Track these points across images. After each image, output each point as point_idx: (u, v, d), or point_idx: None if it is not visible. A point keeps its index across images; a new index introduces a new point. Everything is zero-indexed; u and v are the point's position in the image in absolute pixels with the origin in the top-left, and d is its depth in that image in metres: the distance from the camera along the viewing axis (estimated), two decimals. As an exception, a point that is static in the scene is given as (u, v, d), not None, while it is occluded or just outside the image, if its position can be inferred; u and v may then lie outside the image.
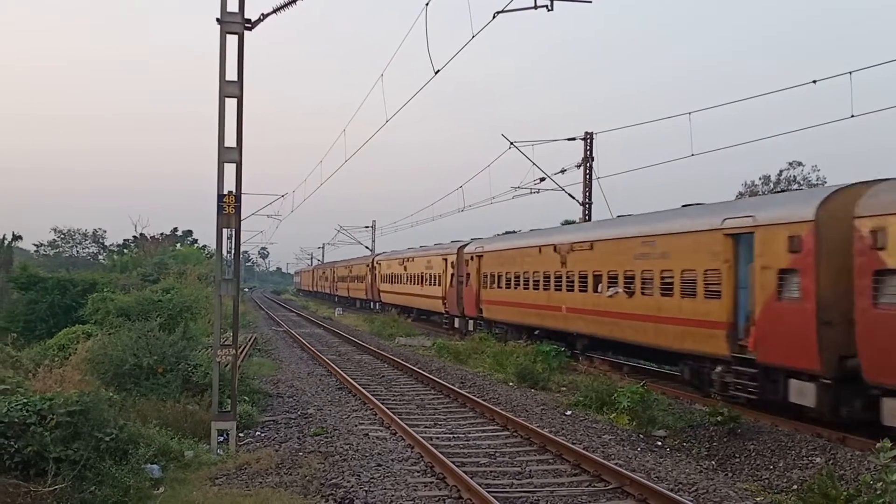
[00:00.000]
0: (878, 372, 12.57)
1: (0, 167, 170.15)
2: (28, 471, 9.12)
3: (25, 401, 9.75)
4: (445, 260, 38.33)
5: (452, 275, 36.61)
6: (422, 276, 43.05)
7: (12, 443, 9.13)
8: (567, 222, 41.33)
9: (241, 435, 13.65)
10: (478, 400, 17.02)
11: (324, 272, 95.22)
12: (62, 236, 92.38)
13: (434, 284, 40.34)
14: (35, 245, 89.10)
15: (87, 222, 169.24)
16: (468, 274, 34.15)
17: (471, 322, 34.59)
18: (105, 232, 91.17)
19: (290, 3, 13.33)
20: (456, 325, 36.69)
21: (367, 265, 60.69)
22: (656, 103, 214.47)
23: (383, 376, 22.69)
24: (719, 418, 14.17)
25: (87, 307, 27.46)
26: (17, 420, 9.31)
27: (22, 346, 23.47)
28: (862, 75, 18.59)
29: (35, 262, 64.10)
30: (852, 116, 18.52)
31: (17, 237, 55.74)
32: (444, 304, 38.61)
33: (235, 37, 12.96)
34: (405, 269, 47.37)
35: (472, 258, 33.80)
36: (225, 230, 13.40)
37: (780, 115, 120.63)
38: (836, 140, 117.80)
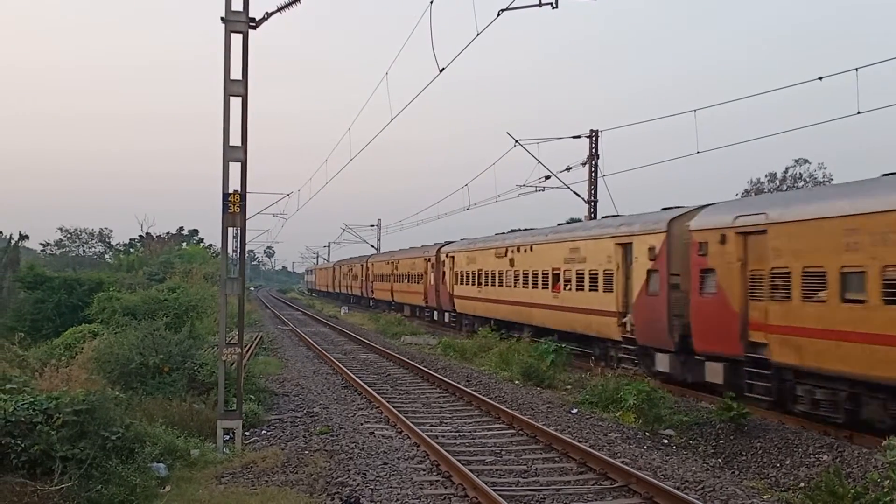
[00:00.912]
0: None
1: (6, 168, 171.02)
2: (35, 470, 9.15)
3: (32, 400, 9.79)
4: (625, 246, 21.34)
5: (650, 272, 19.72)
6: (551, 275, 26.45)
7: (19, 442, 9.16)
8: (573, 220, 40.95)
9: (246, 434, 13.67)
10: (483, 398, 17.01)
11: (350, 269, 76.45)
12: (68, 236, 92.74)
13: (589, 289, 23.41)
14: (42, 245, 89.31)
15: (94, 222, 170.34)
16: (705, 272, 17.11)
17: (716, 367, 16.55)
18: (111, 231, 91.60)
19: (294, 2, 13.34)
20: (659, 367, 19.11)
21: (428, 259, 44.20)
22: (661, 101, 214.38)
23: (389, 375, 22.68)
24: (730, 415, 14.09)
25: (94, 306, 27.54)
26: (23, 419, 9.34)
27: (28, 345, 23.60)
28: (868, 72, 18.45)
29: (42, 261, 64.21)
30: (858, 113, 18.40)
31: (23, 237, 55.92)
32: (628, 325, 21.09)
33: (240, 35, 12.99)
34: (511, 263, 30.75)
35: (723, 237, 16.34)
36: (230, 229, 13.44)
37: (785, 113, 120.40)
38: (842, 137, 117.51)
